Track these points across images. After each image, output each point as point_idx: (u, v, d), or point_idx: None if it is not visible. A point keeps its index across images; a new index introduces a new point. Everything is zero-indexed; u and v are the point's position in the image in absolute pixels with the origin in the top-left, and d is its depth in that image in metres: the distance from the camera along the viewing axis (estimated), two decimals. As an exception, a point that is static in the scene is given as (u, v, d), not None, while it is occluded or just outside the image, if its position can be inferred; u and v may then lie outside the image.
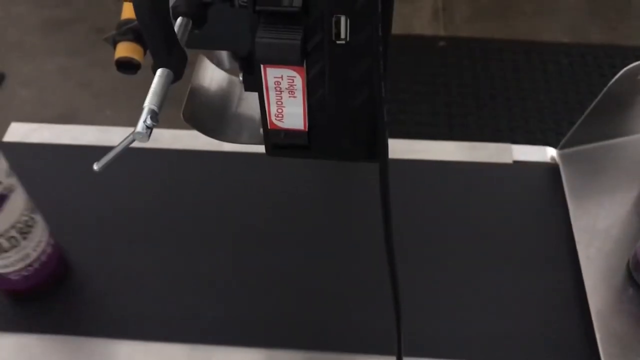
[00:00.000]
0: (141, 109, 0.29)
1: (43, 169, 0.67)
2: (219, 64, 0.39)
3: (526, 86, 1.77)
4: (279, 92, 0.32)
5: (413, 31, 1.94)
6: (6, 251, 0.51)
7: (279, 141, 0.35)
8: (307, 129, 0.34)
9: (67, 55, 1.92)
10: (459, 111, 1.71)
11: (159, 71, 0.31)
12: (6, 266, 0.53)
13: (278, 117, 0.33)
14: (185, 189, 0.65)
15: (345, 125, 0.34)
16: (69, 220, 0.62)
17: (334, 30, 0.30)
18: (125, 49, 0.42)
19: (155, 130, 0.73)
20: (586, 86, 1.75)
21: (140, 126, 0.28)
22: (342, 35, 0.30)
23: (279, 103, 0.33)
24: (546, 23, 1.96)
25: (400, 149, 0.68)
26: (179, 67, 0.31)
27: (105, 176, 0.65)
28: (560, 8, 2.01)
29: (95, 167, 0.31)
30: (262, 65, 0.31)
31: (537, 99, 1.73)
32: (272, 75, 0.31)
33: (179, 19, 0.33)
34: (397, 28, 1.93)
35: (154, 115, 0.29)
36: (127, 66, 0.42)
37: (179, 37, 0.32)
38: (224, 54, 0.38)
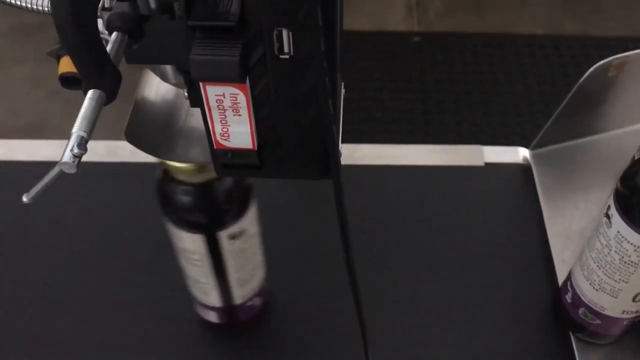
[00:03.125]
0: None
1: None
2: (163, 78, 0.36)
3: (502, 79, 1.76)
4: (223, 111, 0.30)
5: (386, 27, 1.92)
6: None
7: (228, 161, 0.33)
8: (256, 148, 0.32)
9: (36, 62, 1.87)
10: (435, 107, 1.70)
11: (90, 93, 0.28)
12: None
13: (224, 136, 0.31)
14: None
15: (296, 143, 0.32)
16: (24, 239, 0.60)
17: (276, 45, 0.28)
18: (69, 64, 0.39)
19: (117, 144, 0.70)
20: (562, 77, 1.75)
21: (67, 155, 0.26)
22: (286, 50, 0.28)
23: (224, 122, 0.30)
24: (519, 15, 1.95)
25: (368, 154, 0.66)
26: (112, 87, 0.29)
27: (65, 192, 0.62)
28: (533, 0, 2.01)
29: (25, 199, 0.28)
30: (201, 83, 0.28)
31: (514, 91, 1.72)
32: (212, 93, 0.29)
33: (114, 34, 0.31)
34: (370, 25, 1.93)
35: (82, 142, 0.26)
36: (72, 81, 0.40)
37: (113, 53, 0.30)
38: (168, 68, 0.36)
